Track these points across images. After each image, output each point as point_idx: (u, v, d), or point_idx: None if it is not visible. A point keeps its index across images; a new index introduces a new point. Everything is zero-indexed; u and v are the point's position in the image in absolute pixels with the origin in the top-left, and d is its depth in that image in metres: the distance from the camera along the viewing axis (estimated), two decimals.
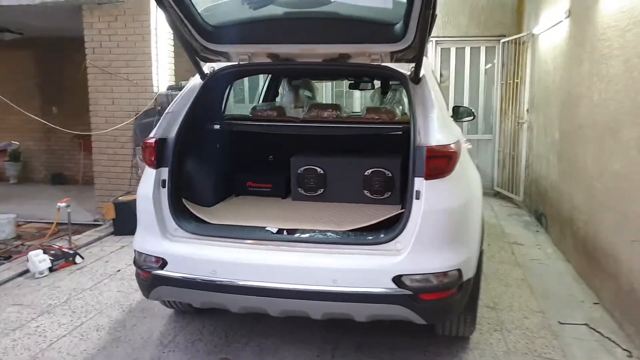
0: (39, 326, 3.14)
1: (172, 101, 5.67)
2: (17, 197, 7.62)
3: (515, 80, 6.37)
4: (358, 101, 7.28)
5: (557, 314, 3.29)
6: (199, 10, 2.61)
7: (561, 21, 4.69)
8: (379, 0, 2.34)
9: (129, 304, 3.44)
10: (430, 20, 2.18)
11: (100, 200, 6.02)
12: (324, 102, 7.02)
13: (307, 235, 2.43)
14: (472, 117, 4.45)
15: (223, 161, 3.21)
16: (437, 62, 7.07)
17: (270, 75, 4.58)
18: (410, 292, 2.21)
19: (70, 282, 3.87)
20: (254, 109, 3.43)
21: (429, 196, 2.25)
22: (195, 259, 2.38)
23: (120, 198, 5.25)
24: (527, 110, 6.09)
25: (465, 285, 2.37)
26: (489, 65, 7.02)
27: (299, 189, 3.14)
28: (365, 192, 3.04)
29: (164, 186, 2.56)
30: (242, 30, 2.69)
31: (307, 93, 4.27)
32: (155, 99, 5.82)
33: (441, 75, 7.08)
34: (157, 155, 2.58)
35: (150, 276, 2.44)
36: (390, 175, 2.97)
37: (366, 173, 3.00)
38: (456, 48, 7.05)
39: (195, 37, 2.70)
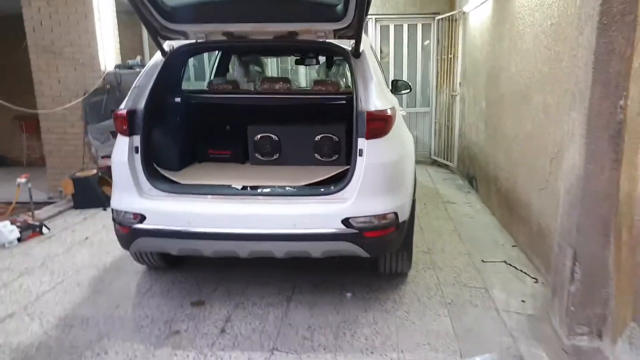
0: (22, 284, 3.41)
1: (120, 79, 5.84)
2: None
3: (449, 56, 6.96)
4: (303, 77, 7.63)
5: (480, 255, 3.89)
6: None
7: (486, 0, 5.25)
8: None
9: (102, 265, 3.73)
10: (366, 2, 2.60)
11: (53, 178, 6.09)
12: (276, 72, 7.35)
13: (268, 189, 2.83)
14: (409, 90, 4.99)
15: (185, 131, 3.52)
16: (377, 38, 7.53)
17: (220, 52, 4.86)
18: (356, 231, 2.68)
19: (42, 249, 4.10)
20: (209, 83, 3.74)
21: (369, 153, 2.71)
22: (171, 212, 2.72)
23: (77, 174, 5.39)
24: (460, 84, 6.70)
25: (401, 226, 2.87)
26: (426, 42, 7.54)
27: (257, 155, 3.52)
28: (316, 155, 3.46)
29: (137, 152, 2.85)
30: (199, 11, 2.97)
31: (257, 68, 4.61)
32: (104, 78, 5.91)
33: (381, 51, 7.55)
34: (129, 124, 2.86)
35: (130, 230, 2.76)
36: (337, 139, 3.40)
37: (316, 139, 3.42)
38: (394, 25, 7.51)
39: (155, 17, 2.95)
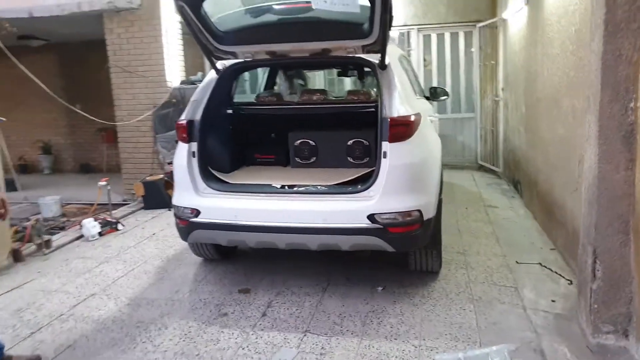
0: (102, 271, 4.02)
1: (184, 94, 6.48)
2: (53, 184, 8.56)
3: (492, 62, 7.04)
4: (348, 86, 7.99)
5: (516, 257, 3.97)
6: (213, 20, 3.34)
7: (522, 8, 5.36)
8: (348, 7, 3.02)
9: (166, 256, 4.28)
10: (388, 21, 2.91)
11: (127, 182, 6.84)
12: (317, 87, 7.78)
13: (302, 188, 3.19)
14: (446, 97, 5.21)
15: (235, 138, 3.98)
16: (420, 48, 7.73)
17: (269, 69, 5.33)
18: (381, 226, 2.96)
19: (117, 242, 4.76)
20: (257, 96, 4.19)
21: (392, 155, 2.99)
22: (221, 208, 3.15)
23: (147, 178, 6.06)
24: (502, 89, 6.76)
25: (426, 223, 3.10)
26: (472, 49, 7.66)
27: (296, 158, 3.90)
28: (349, 158, 3.78)
29: (194, 156, 3.32)
30: (246, 34, 3.42)
31: (300, 81, 5.04)
32: (170, 93, 6.59)
33: (424, 60, 7.75)
34: (188, 132, 3.34)
35: (188, 223, 3.22)
36: (367, 144, 3.70)
37: (349, 143, 3.75)
38: (437, 34, 7.69)
39: (210, 41, 3.43)
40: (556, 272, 3.66)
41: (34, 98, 9.56)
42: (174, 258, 4.22)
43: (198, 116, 3.39)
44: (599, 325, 2.63)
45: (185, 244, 4.01)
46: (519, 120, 5.83)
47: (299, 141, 3.86)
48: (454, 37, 7.67)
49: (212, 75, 3.64)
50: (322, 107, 3.89)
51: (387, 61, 3.25)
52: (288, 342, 2.80)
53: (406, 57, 4.78)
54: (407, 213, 3.00)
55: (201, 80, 6.41)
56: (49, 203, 6.33)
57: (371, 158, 3.71)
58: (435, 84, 7.65)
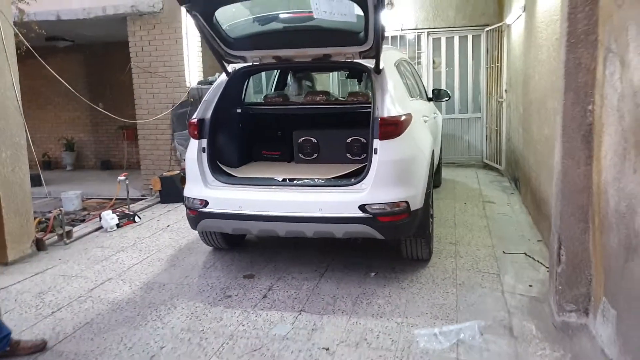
0: (118, 259, 4.39)
1: (202, 93, 6.88)
2: (75, 180, 9.05)
3: (497, 65, 7.27)
4: (356, 86, 8.29)
5: (504, 248, 4.26)
6: (224, 27, 3.70)
7: (520, 15, 5.60)
8: (346, 16, 3.34)
9: (178, 246, 4.65)
10: (381, 30, 3.22)
11: (146, 177, 7.27)
12: (324, 89, 8.13)
13: (301, 181, 3.53)
14: (448, 98, 5.51)
15: (244, 135, 4.34)
16: (430, 50, 8.00)
17: (279, 71, 5.67)
18: (371, 215, 3.28)
19: (134, 233, 5.14)
20: (265, 96, 4.56)
21: (382, 151, 3.31)
22: (228, 199, 3.51)
23: (164, 174, 6.47)
24: (506, 90, 7.00)
25: (413, 213, 3.41)
26: (483, 52, 7.88)
27: (300, 154, 4.25)
28: (348, 154, 4.11)
29: (204, 152, 3.68)
30: (254, 40, 3.77)
31: (308, 83, 5.38)
32: (188, 92, 6.99)
33: (433, 62, 8.01)
34: (199, 130, 3.71)
35: (197, 213, 3.59)
36: (364, 141, 4.02)
37: (348, 140, 4.07)
38: (446, 37, 7.96)
39: (221, 46, 3.79)
40: (538, 261, 3.94)
41: (59, 97, 10.14)
42: (185, 247, 4.60)
43: (208, 115, 3.75)
44: (563, 304, 2.92)
45: (196, 234, 4.37)
46: (518, 121, 6.07)
47: (302, 139, 4.21)
48: (463, 40, 7.93)
49: (222, 77, 4.00)
50: (324, 107, 4.23)
51: (381, 66, 3.56)
52: (284, 320, 3.13)
53: (407, 61, 5.08)
54: (395, 204, 3.32)
55: None
56: (71, 197, 6.76)
57: (368, 154, 4.01)
58: (443, 85, 7.93)
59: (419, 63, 8.03)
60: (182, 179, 6.32)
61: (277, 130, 4.53)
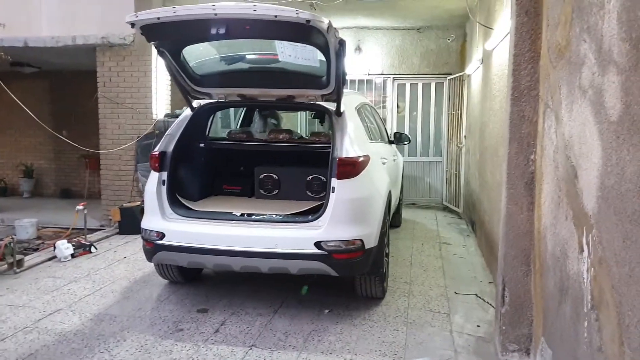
0: (70, 289, 4.27)
1: (168, 126, 6.91)
2: (32, 208, 8.75)
3: (458, 111, 7.63)
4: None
5: (456, 288, 4.38)
6: (191, 65, 3.81)
7: (478, 66, 5.97)
8: (309, 61, 3.52)
9: (134, 278, 4.56)
10: (342, 76, 3.40)
11: (106, 208, 7.13)
12: (299, 127, 8.31)
13: (259, 217, 3.58)
14: (409, 142, 5.73)
15: (206, 169, 4.38)
16: (395, 95, 8.34)
17: (246, 108, 5.80)
18: (326, 252, 3.35)
19: (89, 264, 5.01)
20: (229, 132, 4.64)
21: (339, 190, 3.41)
22: (184, 232, 3.52)
23: (124, 204, 6.38)
24: (465, 137, 7.33)
25: (367, 251, 3.50)
26: (445, 99, 8.25)
27: (261, 190, 4.31)
28: (308, 192, 4.20)
29: (164, 184, 3.70)
30: (220, 78, 3.89)
31: (273, 121, 5.52)
32: (154, 125, 6.99)
33: (398, 106, 8.35)
34: (160, 163, 3.74)
35: (153, 245, 3.57)
36: (324, 180, 4.12)
37: (308, 178, 4.17)
38: (410, 83, 8.34)
39: (187, 82, 3.89)
40: (488, 302, 4.06)
41: (21, 121, 9.91)
42: (141, 279, 4.51)
43: (170, 148, 3.80)
44: (506, 344, 3.02)
45: (152, 267, 4.31)
46: (475, 166, 6.35)
47: (263, 175, 4.29)
48: (426, 86, 8.31)
49: (187, 112, 4.07)
50: (286, 145, 4.34)
51: (342, 109, 3.72)
52: (234, 355, 3.11)
53: (370, 105, 5.31)
54: (351, 241, 3.40)
55: None
56: (25, 225, 6.55)
57: (327, 192, 4.12)
58: (407, 129, 8.24)
59: (384, 107, 8.34)
60: (142, 211, 6.24)
61: (240, 166, 4.60)
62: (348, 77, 8.06)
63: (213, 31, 2.95)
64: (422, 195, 8.44)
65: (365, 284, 3.83)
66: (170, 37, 3.35)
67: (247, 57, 3.89)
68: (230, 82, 3.91)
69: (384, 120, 7.33)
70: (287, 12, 2.80)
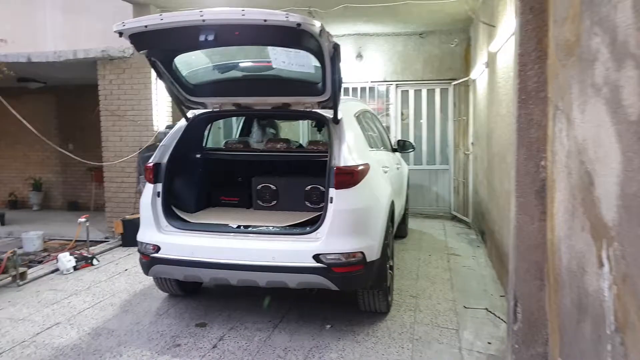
0: (70, 302, 4.21)
1: None
2: (40, 220, 8.82)
3: (464, 118, 7.46)
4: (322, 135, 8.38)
5: (465, 302, 4.17)
6: (184, 74, 3.71)
7: (484, 70, 5.81)
8: (304, 67, 3.40)
9: (134, 291, 4.48)
10: (338, 82, 3.27)
11: (110, 220, 7.06)
12: (300, 136, 8.19)
13: (256, 229, 3.44)
14: (413, 149, 5.56)
15: (203, 181, 4.26)
16: (398, 102, 8.19)
17: (245, 117, 5.70)
18: (325, 266, 3.19)
19: (90, 276, 4.96)
20: (226, 142, 4.53)
21: (337, 201, 3.27)
22: (180, 245, 3.39)
23: (127, 217, 6.29)
24: (472, 143, 7.14)
25: (369, 265, 3.33)
26: (450, 105, 8.05)
27: (258, 201, 4.18)
28: (307, 202, 4.05)
29: (159, 196, 3.59)
30: (214, 88, 3.79)
31: (272, 130, 5.40)
32: (156, 136, 6.92)
33: (402, 114, 8.19)
34: (154, 174, 3.63)
35: (149, 258, 3.45)
36: (323, 190, 3.99)
37: (307, 188, 4.03)
38: (414, 90, 8.16)
39: (181, 92, 3.79)
40: (499, 317, 3.84)
41: (30, 137, 9.94)
42: (141, 293, 4.41)
43: (165, 160, 3.69)
44: None
45: (153, 280, 4.21)
46: (483, 174, 6.16)
47: (261, 185, 4.16)
48: (431, 93, 8.13)
49: (182, 122, 3.97)
50: (284, 154, 4.22)
51: (340, 116, 3.59)
52: None
53: (371, 112, 5.16)
54: (351, 254, 3.24)
55: None
56: (32, 237, 6.55)
57: (324, 203, 3.98)
58: (411, 137, 8.06)
59: (387, 114, 8.19)
60: None
61: (237, 176, 4.48)
62: (350, 85, 8.07)
63: (202, 38, 2.85)
64: (430, 204, 8.24)
65: (369, 298, 3.66)
66: (159, 45, 3.26)
67: (241, 65, 3.78)
68: (225, 91, 3.80)
69: (387, 128, 7.18)
70: (277, 16, 2.68)
